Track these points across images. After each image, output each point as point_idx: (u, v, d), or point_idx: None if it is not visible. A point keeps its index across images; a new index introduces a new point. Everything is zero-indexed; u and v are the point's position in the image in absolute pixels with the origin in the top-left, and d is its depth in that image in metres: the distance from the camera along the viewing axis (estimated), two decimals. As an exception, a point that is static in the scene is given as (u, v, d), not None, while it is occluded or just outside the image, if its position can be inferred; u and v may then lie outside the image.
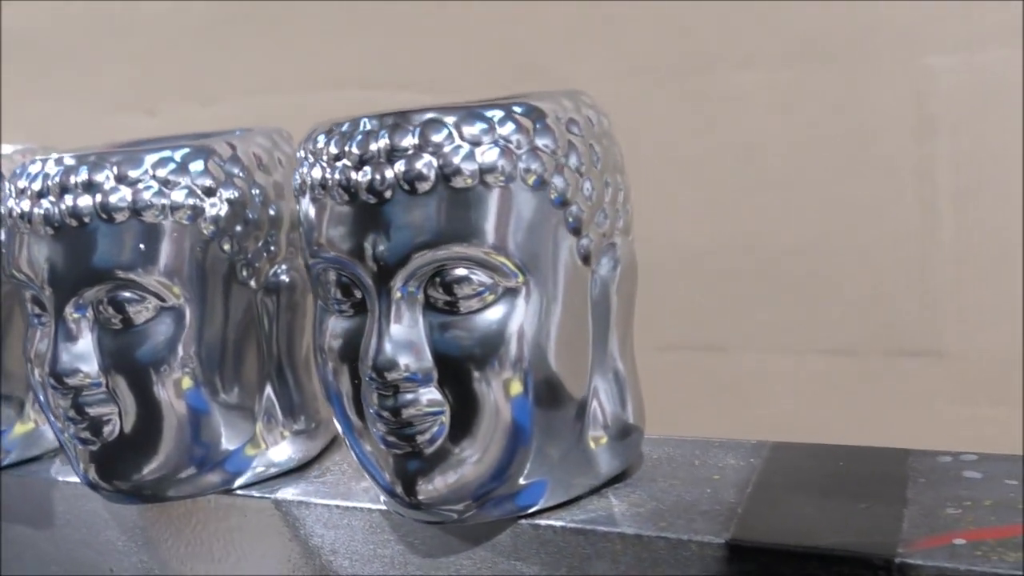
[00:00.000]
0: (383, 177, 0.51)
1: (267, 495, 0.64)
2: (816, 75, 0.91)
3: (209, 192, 0.60)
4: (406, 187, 0.51)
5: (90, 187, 0.58)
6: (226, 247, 0.61)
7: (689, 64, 0.95)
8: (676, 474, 0.59)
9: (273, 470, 0.65)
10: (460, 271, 0.51)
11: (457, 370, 0.52)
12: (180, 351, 0.60)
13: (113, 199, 0.58)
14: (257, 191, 0.62)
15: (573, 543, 0.55)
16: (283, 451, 0.65)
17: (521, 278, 0.52)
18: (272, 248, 0.63)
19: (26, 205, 0.59)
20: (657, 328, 0.90)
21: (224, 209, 0.60)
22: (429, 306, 0.52)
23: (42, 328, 0.61)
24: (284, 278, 0.63)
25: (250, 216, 0.61)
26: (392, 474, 0.54)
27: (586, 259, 0.55)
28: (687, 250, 0.98)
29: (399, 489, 0.54)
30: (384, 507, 0.59)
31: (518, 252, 0.52)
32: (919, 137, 0.89)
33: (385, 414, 0.52)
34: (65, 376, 0.58)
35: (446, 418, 0.52)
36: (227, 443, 0.63)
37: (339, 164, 0.52)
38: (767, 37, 0.92)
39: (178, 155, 0.60)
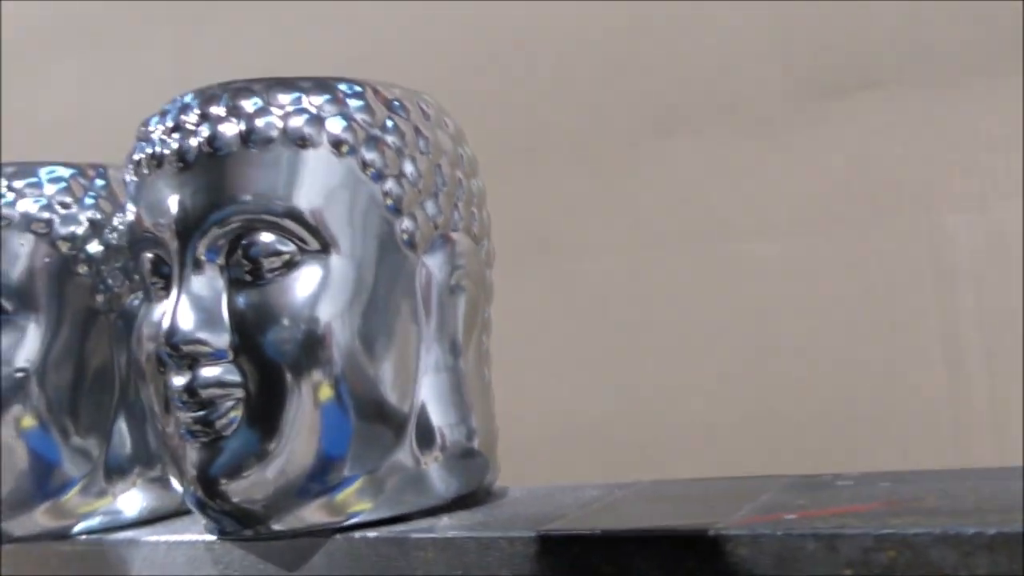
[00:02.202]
0: (188, 144, 0.49)
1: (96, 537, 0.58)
2: (831, 239, 0.89)
3: (65, 206, 0.58)
4: (208, 150, 0.49)
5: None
6: (82, 269, 0.59)
7: (705, 232, 0.93)
8: (529, 501, 0.53)
9: (122, 518, 0.60)
10: (262, 236, 0.48)
11: (254, 344, 0.48)
12: (17, 362, 0.57)
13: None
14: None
15: (387, 555, 0.48)
16: (132, 500, 0.60)
17: (319, 246, 0.49)
18: (134, 277, 0.60)
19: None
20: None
21: (83, 229, 0.58)
22: (232, 276, 0.49)
23: None
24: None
25: (110, 240, 0.59)
26: (194, 467, 0.49)
27: (410, 245, 0.51)
28: (702, 424, 0.92)
29: (199, 486, 0.49)
30: (206, 538, 0.54)
31: (317, 217, 0.49)
32: (940, 297, 0.85)
33: (184, 396, 0.48)
34: None
35: (242, 399, 0.48)
36: (62, 480, 0.58)
37: (154, 137, 0.51)
38: (781, 204, 0.91)
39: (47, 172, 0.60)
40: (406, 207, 0.51)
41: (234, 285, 0.49)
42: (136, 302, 0.60)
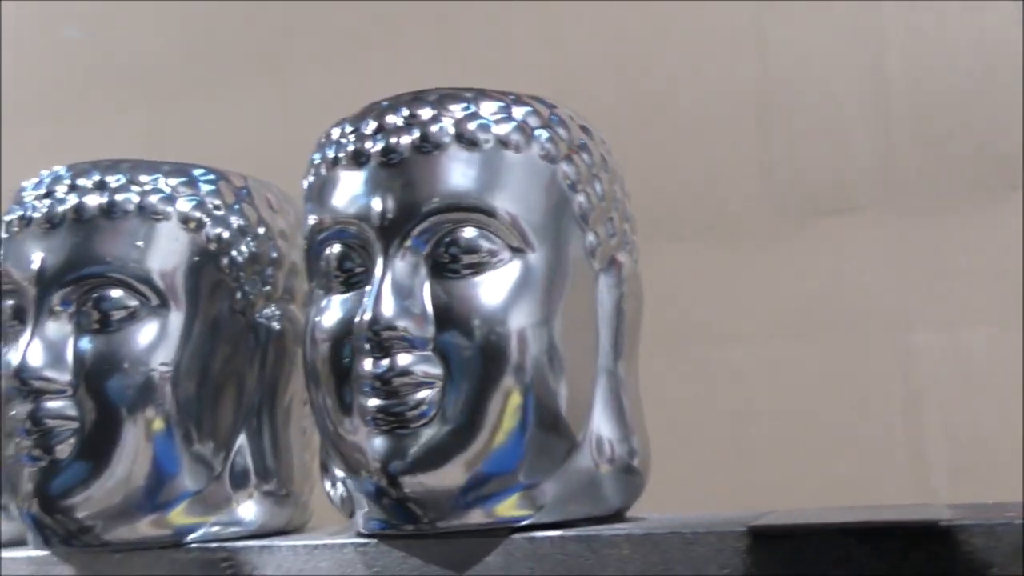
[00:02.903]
0: (398, 141, 0.51)
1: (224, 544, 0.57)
2: (804, 350, 0.93)
3: (216, 208, 0.59)
4: (424, 148, 0.50)
5: (102, 186, 0.58)
6: (224, 265, 0.59)
7: (684, 336, 0.96)
8: (682, 520, 0.54)
9: (233, 529, 0.59)
10: (469, 231, 0.50)
11: (453, 336, 0.49)
12: (158, 359, 0.56)
13: (119, 198, 0.57)
14: (263, 228, 0.61)
15: (574, 553, 0.49)
16: (248, 511, 0.59)
17: (522, 245, 0.50)
18: (268, 286, 0.61)
19: (31, 205, 0.58)
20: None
21: (229, 232, 0.59)
22: (435, 269, 0.50)
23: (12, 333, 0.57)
24: (275, 324, 0.60)
25: (252, 246, 0.60)
26: (378, 455, 0.49)
27: (592, 255, 0.53)
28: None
29: (382, 472, 0.49)
30: (356, 540, 0.53)
31: (527, 220, 0.51)
32: (907, 414, 0.89)
33: (376, 383, 0.49)
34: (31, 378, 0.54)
35: (437, 392, 0.49)
36: (184, 485, 0.57)
37: (351, 137, 0.52)
38: (757, 313, 0.95)
39: (192, 171, 0.60)
40: (592, 222, 0.54)
41: (436, 279, 0.50)
42: (272, 318, 0.60)
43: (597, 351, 0.53)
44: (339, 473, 0.53)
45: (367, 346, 0.49)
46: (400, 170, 0.50)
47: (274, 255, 0.61)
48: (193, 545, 0.57)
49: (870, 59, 0.94)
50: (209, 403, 0.57)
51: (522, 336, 0.49)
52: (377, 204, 0.50)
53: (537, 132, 0.52)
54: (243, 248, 0.59)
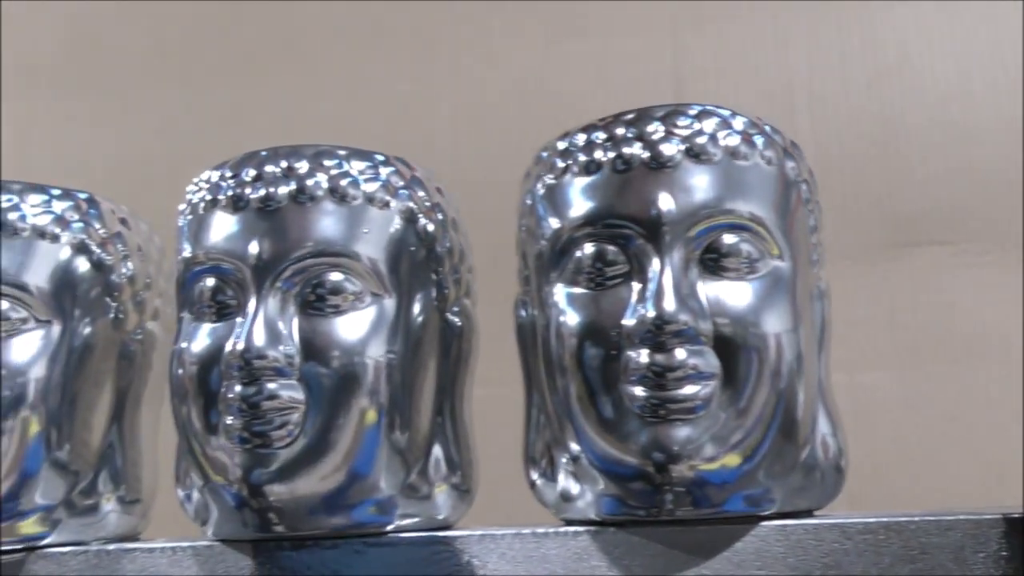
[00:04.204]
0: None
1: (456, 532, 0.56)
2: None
3: (426, 201, 0.60)
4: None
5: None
6: (431, 257, 0.59)
7: None
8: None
9: (426, 520, 0.58)
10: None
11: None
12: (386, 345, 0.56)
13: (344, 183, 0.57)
14: (441, 215, 0.61)
15: (827, 539, 0.53)
16: (441, 503, 0.59)
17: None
18: (456, 280, 0.61)
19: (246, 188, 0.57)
20: None
21: (434, 224, 0.60)
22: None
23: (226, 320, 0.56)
24: (459, 320, 0.61)
25: (454, 239, 0.61)
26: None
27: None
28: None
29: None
30: (589, 528, 0.54)
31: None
32: None
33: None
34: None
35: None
36: (387, 475, 0.56)
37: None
38: None
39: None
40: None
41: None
42: (458, 311, 0.61)
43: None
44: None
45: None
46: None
47: (463, 250, 0.62)
48: (406, 535, 0.56)
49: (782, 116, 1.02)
50: (411, 395, 0.57)
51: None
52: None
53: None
54: (446, 242, 0.60)
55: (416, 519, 0.57)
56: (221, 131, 1.08)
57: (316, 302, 0.55)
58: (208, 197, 0.57)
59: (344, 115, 1.08)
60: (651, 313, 0.51)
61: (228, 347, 0.53)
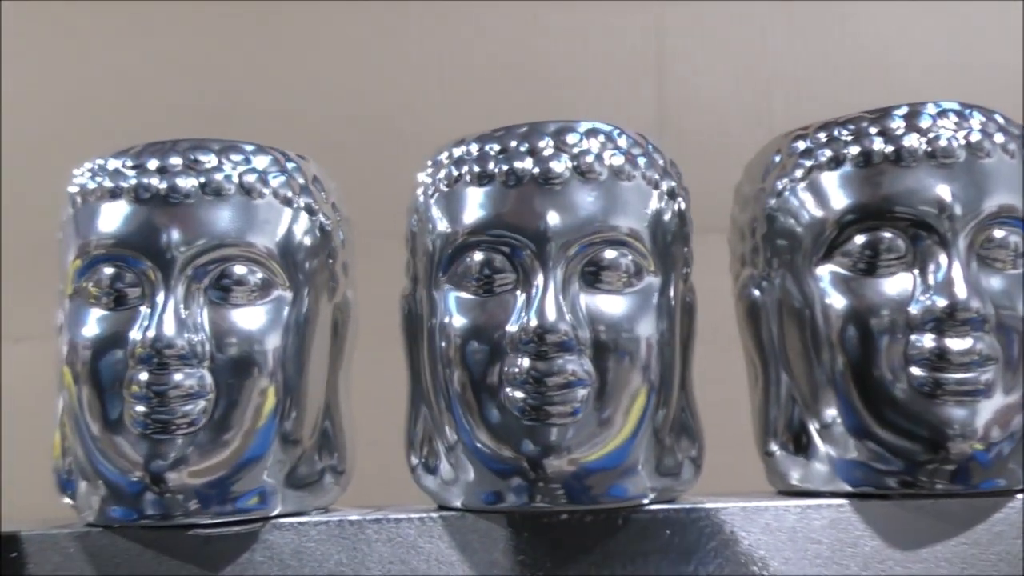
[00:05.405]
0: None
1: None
2: None
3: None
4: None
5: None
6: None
7: None
8: None
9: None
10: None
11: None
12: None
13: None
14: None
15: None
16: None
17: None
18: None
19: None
20: None
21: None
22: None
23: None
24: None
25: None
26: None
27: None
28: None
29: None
30: (837, 501, 0.55)
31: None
32: None
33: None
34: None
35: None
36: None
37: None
38: None
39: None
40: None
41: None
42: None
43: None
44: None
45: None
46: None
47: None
48: (659, 507, 0.58)
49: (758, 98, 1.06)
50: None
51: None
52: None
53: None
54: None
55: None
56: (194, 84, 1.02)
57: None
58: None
59: (325, 80, 1.04)
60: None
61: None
